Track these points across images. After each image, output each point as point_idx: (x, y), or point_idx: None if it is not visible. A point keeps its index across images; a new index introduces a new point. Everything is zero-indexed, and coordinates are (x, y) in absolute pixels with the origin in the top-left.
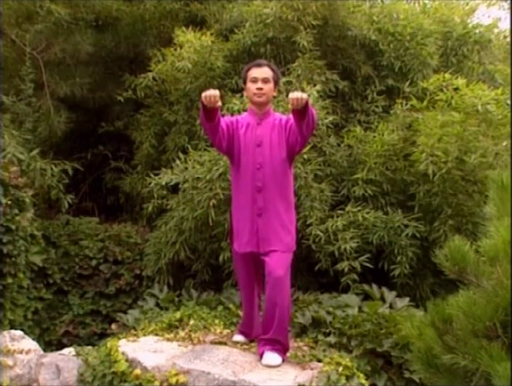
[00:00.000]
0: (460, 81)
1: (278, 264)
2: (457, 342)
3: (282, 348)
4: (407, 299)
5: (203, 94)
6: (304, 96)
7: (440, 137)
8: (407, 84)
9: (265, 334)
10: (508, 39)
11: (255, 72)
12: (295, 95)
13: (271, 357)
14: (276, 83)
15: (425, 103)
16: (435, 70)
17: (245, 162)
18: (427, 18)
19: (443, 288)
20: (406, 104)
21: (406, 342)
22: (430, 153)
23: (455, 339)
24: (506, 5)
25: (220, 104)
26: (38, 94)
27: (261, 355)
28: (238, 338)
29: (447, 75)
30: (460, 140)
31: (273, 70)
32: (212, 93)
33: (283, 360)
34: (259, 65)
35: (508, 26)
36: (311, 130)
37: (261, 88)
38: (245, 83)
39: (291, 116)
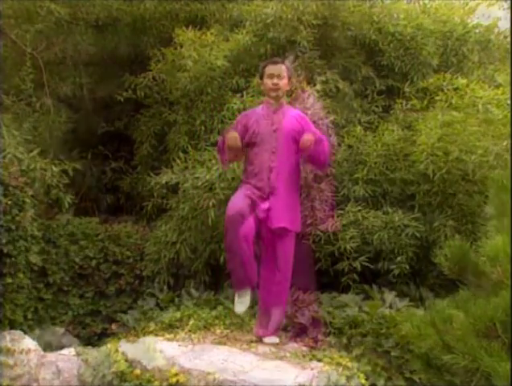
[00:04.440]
0: (460, 81)
1: (289, 249)
2: (457, 342)
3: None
4: (407, 299)
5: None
6: (310, 137)
7: (440, 136)
8: (407, 83)
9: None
10: (508, 39)
11: (271, 69)
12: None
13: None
14: (289, 78)
15: (425, 103)
16: (435, 70)
17: (262, 146)
18: (427, 17)
19: (443, 288)
20: (406, 104)
21: (406, 342)
22: (430, 153)
23: (455, 339)
24: (506, 5)
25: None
26: (38, 94)
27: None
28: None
29: (447, 75)
30: (460, 140)
31: (287, 67)
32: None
33: None
34: (275, 62)
35: (508, 26)
36: (324, 163)
37: (276, 84)
38: (261, 78)
39: (305, 118)
